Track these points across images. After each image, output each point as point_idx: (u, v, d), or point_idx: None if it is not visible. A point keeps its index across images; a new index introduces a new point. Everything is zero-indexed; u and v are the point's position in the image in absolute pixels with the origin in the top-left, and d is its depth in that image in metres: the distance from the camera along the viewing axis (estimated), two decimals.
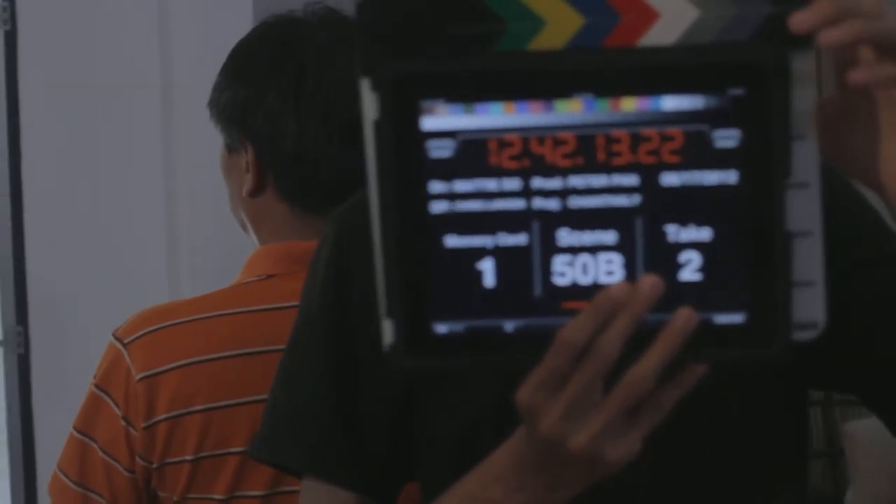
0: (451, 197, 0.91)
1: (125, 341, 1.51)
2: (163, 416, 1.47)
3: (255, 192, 1.59)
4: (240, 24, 3.21)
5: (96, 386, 1.52)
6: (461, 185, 0.91)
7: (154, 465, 1.48)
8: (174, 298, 3.34)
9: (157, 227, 3.48)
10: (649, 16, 0.92)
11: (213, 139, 1.71)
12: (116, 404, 1.49)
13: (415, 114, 0.90)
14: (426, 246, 0.92)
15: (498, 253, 0.92)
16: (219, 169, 1.67)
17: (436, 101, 0.90)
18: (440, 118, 0.90)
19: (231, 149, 1.61)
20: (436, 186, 0.91)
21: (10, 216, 3.51)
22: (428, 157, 0.91)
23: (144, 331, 1.51)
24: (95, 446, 1.51)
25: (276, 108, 1.55)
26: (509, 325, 0.92)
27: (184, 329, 1.51)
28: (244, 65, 1.59)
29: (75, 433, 1.53)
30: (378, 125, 0.90)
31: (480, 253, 0.92)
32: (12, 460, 3.55)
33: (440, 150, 0.91)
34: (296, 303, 1.48)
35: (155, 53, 3.48)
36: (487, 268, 0.92)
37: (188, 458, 1.47)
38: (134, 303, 3.40)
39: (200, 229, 3.41)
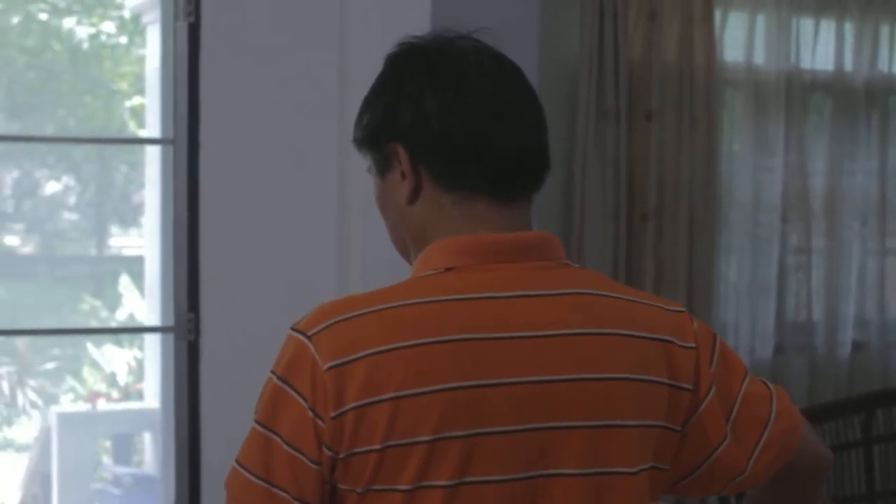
0: None
1: (309, 333, 1.51)
2: (351, 405, 1.46)
3: (414, 192, 1.61)
4: (418, 21, 3.23)
5: (279, 378, 1.51)
6: None
7: (341, 455, 1.47)
8: (343, 289, 3.38)
9: (329, 217, 3.52)
10: None
11: None
12: (302, 396, 1.48)
13: None
14: None
15: None
16: None
17: None
18: None
19: (383, 171, 1.66)
20: None
21: (186, 203, 3.58)
22: None
23: (329, 322, 1.51)
24: (279, 440, 1.50)
25: (414, 94, 1.59)
26: None
27: (370, 319, 1.50)
28: (377, 86, 1.66)
29: (258, 427, 1.52)
30: None
31: None
32: (178, 444, 3.62)
33: None
34: (477, 294, 1.53)
35: (334, 48, 3.51)
36: None
37: (375, 447, 1.46)
38: (304, 292, 3.48)
39: (371, 220, 3.43)
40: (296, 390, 1.49)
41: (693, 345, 1.62)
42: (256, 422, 1.53)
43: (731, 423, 1.64)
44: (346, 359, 1.48)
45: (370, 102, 1.66)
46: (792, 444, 1.68)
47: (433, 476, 1.47)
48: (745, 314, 4.92)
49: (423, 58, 1.63)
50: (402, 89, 1.61)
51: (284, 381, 1.51)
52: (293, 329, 1.53)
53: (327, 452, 1.48)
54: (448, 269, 1.57)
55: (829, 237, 5.06)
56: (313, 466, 1.49)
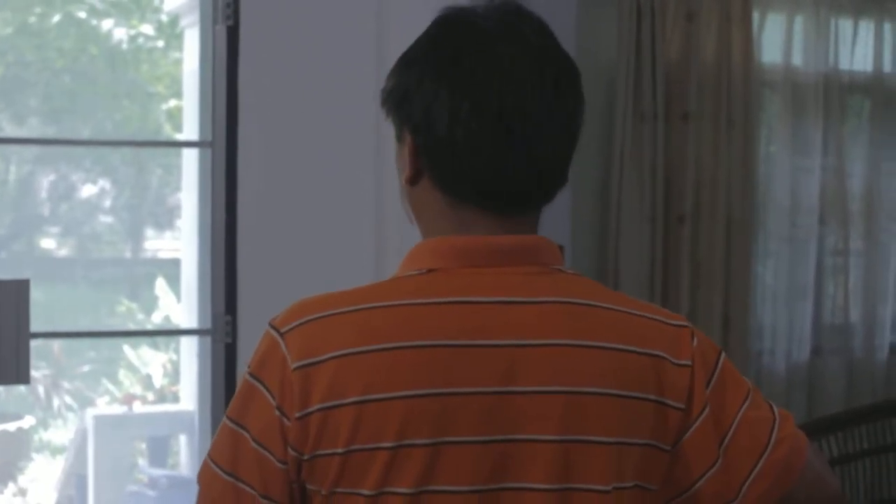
0: None
1: (282, 330, 1.50)
2: (316, 407, 1.45)
3: (413, 179, 1.57)
4: None
5: (251, 375, 1.51)
6: None
7: (306, 457, 1.47)
8: None
9: (367, 220, 3.52)
10: None
11: None
12: (271, 394, 1.48)
13: None
14: None
15: None
16: None
17: None
18: None
19: (398, 138, 1.60)
20: None
21: (223, 206, 3.59)
22: None
23: (302, 320, 1.49)
24: (248, 436, 1.49)
25: (431, 93, 1.53)
26: None
27: (340, 319, 1.49)
28: (410, 53, 1.59)
29: (228, 422, 1.52)
30: None
31: None
32: None
33: None
34: (454, 299, 1.49)
35: (372, 52, 3.52)
36: None
37: (339, 450, 1.45)
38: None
39: (409, 222, 3.43)
40: (266, 388, 1.49)
41: (688, 362, 1.55)
42: (227, 417, 1.53)
43: (724, 447, 1.57)
44: (313, 360, 1.47)
45: (399, 65, 1.60)
46: (791, 475, 1.60)
47: (395, 482, 1.45)
48: (782, 316, 4.90)
49: (452, 45, 1.55)
50: (423, 79, 1.54)
51: (256, 378, 1.50)
52: (269, 324, 1.52)
53: (292, 453, 1.47)
54: (430, 271, 1.54)
55: (867, 239, 5.04)
56: (280, 465, 1.48)
